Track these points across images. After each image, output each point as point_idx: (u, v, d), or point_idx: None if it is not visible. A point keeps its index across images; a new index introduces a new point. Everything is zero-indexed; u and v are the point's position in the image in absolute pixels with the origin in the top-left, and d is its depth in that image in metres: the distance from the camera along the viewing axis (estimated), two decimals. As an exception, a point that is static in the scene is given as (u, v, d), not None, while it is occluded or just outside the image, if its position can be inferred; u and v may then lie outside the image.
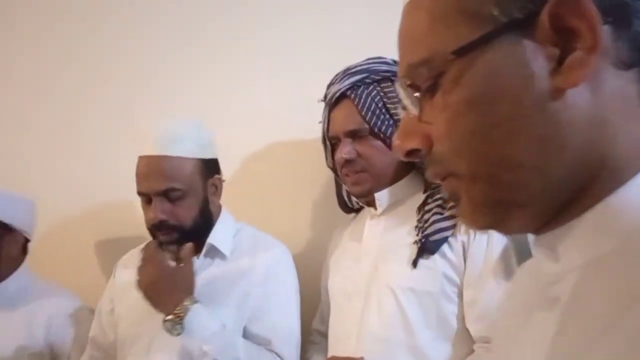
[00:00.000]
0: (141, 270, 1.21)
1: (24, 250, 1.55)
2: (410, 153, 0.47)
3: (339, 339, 1.20)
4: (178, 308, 1.16)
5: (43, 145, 1.85)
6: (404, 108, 0.48)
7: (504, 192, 0.43)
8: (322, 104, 1.27)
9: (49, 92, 1.91)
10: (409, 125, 0.47)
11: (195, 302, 1.17)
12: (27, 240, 1.55)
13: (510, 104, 0.41)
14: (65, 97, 1.86)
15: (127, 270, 1.38)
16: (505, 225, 0.46)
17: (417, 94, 0.46)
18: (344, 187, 1.32)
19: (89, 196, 1.78)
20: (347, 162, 1.19)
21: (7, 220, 1.47)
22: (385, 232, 1.21)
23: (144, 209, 1.27)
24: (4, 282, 1.49)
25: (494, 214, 0.45)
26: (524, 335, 0.47)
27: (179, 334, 1.16)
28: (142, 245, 1.41)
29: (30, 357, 1.42)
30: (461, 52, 0.42)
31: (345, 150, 1.18)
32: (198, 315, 1.16)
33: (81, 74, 1.85)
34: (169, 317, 1.16)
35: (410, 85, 0.46)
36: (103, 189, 1.76)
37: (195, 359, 1.17)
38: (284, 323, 1.28)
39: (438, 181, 0.47)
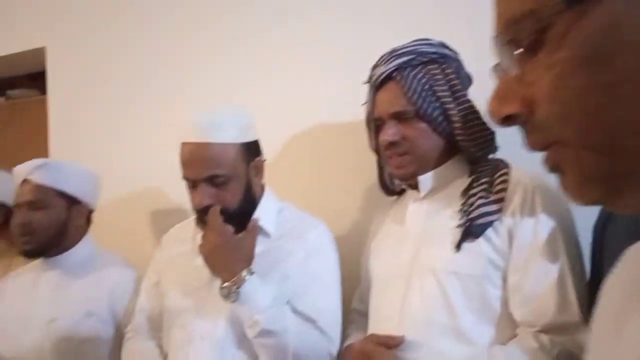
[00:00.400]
0: (205, 236, 1.25)
1: (88, 221, 1.65)
2: (508, 119, 0.42)
3: (380, 320, 1.21)
4: (236, 276, 1.20)
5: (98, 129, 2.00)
6: (501, 69, 0.43)
7: (622, 163, 0.38)
8: (366, 86, 1.27)
9: (101, 84, 2.01)
10: (507, 87, 0.42)
11: (253, 273, 1.22)
12: (90, 212, 1.65)
13: (631, 61, 0.35)
14: (117, 88, 1.98)
15: (173, 244, 1.44)
16: (618, 202, 0.41)
17: (517, 52, 0.41)
18: (386, 170, 1.32)
19: (141, 173, 1.89)
20: (391, 144, 1.18)
21: (75, 194, 1.58)
22: (428, 215, 1.20)
23: (190, 193, 1.31)
24: (71, 251, 1.60)
25: (606, 188, 0.39)
26: (634, 325, 0.43)
27: (233, 301, 1.21)
28: (186, 221, 1.46)
29: (95, 322, 1.52)
30: (572, 2, 0.37)
31: (390, 133, 1.18)
32: (254, 286, 1.21)
33: (128, 65, 1.97)
34: (227, 284, 1.21)
35: (509, 42, 0.41)
36: (152, 170, 1.87)
37: (245, 328, 1.22)
38: (327, 303, 1.31)
39: (539, 150, 0.42)
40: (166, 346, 1.35)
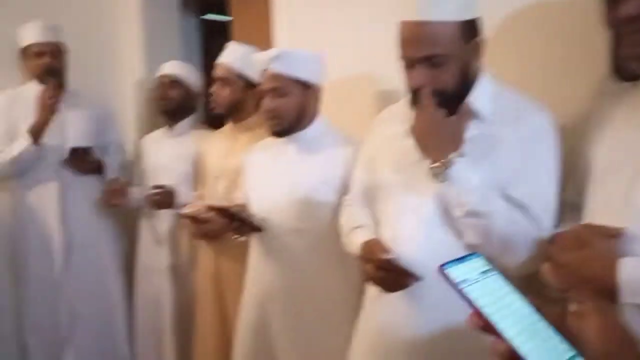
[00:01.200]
0: (417, 117, 1.28)
1: (319, 102, 1.82)
2: None
3: (599, 212, 1.13)
4: (446, 157, 1.22)
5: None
6: None
7: None
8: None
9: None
10: None
11: (462, 155, 1.23)
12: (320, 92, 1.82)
13: None
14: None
15: (386, 124, 1.51)
16: None
17: None
18: (624, 50, 1.16)
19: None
20: (635, 18, 1.04)
21: (309, 79, 1.75)
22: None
23: (405, 73, 1.32)
24: (307, 129, 1.81)
25: None
26: None
27: (442, 182, 1.23)
28: (400, 102, 1.50)
29: (327, 189, 1.74)
30: None
31: (636, 4, 1.03)
32: (463, 168, 1.22)
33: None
34: (436, 164, 1.23)
35: None
36: (369, 53, 1.94)
37: (451, 208, 1.26)
38: (543, 189, 1.27)
39: None
40: (377, 217, 1.47)
